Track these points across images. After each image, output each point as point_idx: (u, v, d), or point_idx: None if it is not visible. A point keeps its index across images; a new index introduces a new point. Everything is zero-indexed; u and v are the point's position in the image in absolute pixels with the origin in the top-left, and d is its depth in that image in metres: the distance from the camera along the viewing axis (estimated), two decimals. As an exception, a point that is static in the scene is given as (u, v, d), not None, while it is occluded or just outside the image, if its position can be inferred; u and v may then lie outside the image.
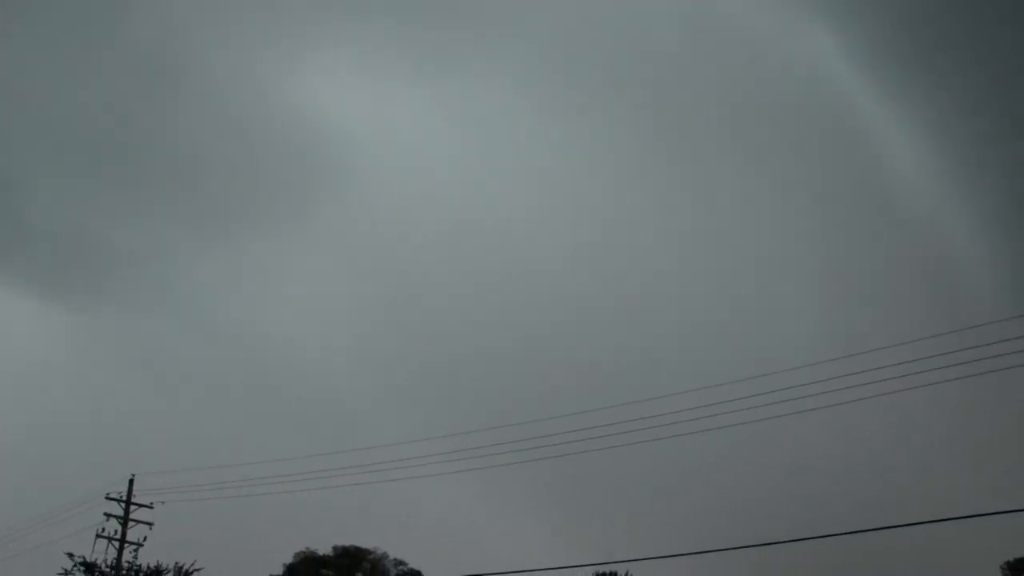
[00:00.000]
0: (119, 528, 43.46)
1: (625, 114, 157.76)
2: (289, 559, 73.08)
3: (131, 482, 43.95)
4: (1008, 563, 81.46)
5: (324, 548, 72.79)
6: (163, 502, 43.99)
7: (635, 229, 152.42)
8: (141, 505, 44.00)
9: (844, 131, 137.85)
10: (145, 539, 44.26)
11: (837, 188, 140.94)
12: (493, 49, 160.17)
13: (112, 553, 43.36)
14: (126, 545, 43.48)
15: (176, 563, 57.42)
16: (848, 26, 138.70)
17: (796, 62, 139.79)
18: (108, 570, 47.33)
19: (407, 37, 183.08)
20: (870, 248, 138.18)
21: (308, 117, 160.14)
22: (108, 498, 43.63)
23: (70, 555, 47.43)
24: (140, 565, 52.95)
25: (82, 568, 47.66)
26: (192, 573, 57.20)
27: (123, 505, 43.63)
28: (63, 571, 48.79)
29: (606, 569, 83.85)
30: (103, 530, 43.35)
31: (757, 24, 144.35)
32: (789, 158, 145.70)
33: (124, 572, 48.33)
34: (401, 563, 73.89)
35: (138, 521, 43.82)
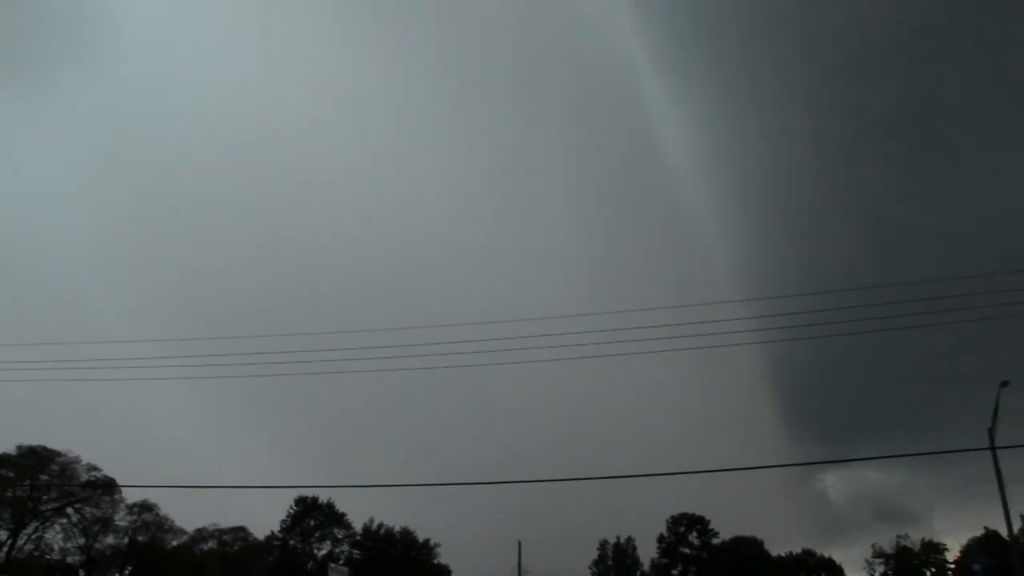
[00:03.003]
0: None
1: (420, 56, 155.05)
2: (-38, 456, 65.48)
3: None
4: (672, 517, 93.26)
5: (7, 446, 66.05)
6: None
7: (415, 162, 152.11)
8: None
9: (626, 104, 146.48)
10: None
11: (612, 159, 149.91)
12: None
13: None
14: None
15: None
16: (650, 14, 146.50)
17: (593, 38, 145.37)
18: None
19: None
20: (632, 216, 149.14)
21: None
22: None
23: None
24: None
25: None
26: None
27: None
28: None
29: (309, 493, 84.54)
30: None
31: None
32: (572, 124, 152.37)
33: None
34: (95, 468, 68.77)
35: None
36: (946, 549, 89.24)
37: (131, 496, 72.13)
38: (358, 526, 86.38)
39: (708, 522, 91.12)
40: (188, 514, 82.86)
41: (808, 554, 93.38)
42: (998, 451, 30.71)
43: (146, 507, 73.86)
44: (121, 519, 72.92)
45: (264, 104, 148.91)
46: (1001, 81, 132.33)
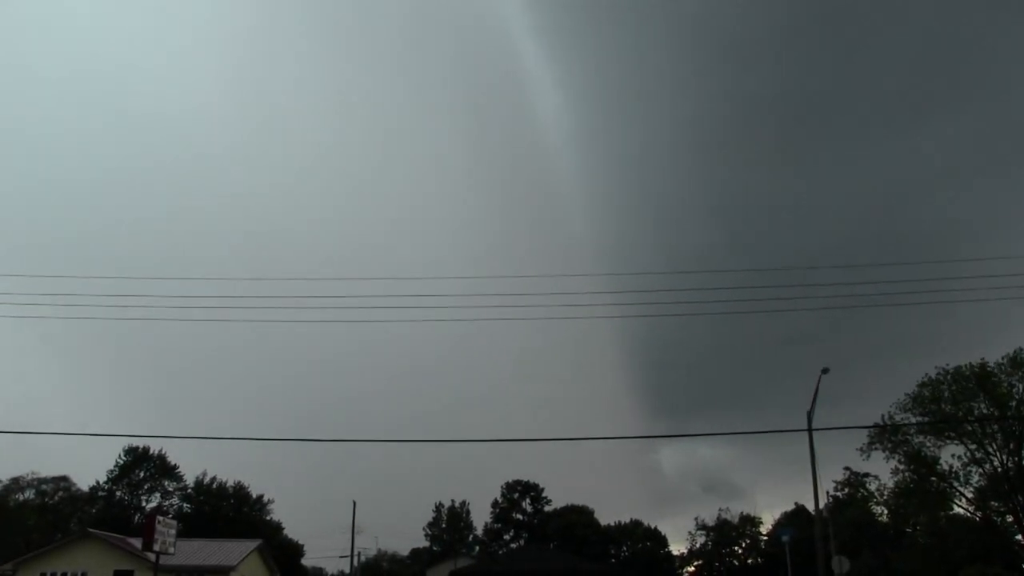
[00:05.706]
0: None
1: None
2: None
3: None
4: (507, 483, 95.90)
5: None
6: None
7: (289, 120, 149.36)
8: None
9: (501, 58, 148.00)
10: None
11: (492, 117, 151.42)
12: None
13: None
14: None
15: None
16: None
17: (478, 9, 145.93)
18: None
19: None
20: (509, 178, 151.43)
21: None
22: None
23: None
24: None
25: None
26: None
27: None
28: None
29: (140, 443, 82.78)
30: None
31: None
32: (455, 84, 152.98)
33: None
34: None
35: None
36: (761, 522, 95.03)
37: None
38: (190, 479, 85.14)
39: (542, 489, 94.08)
40: (3, 462, 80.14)
41: (636, 524, 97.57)
42: (814, 432, 33.17)
43: (-48, 452, 71.00)
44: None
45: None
46: (856, 80, 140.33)
